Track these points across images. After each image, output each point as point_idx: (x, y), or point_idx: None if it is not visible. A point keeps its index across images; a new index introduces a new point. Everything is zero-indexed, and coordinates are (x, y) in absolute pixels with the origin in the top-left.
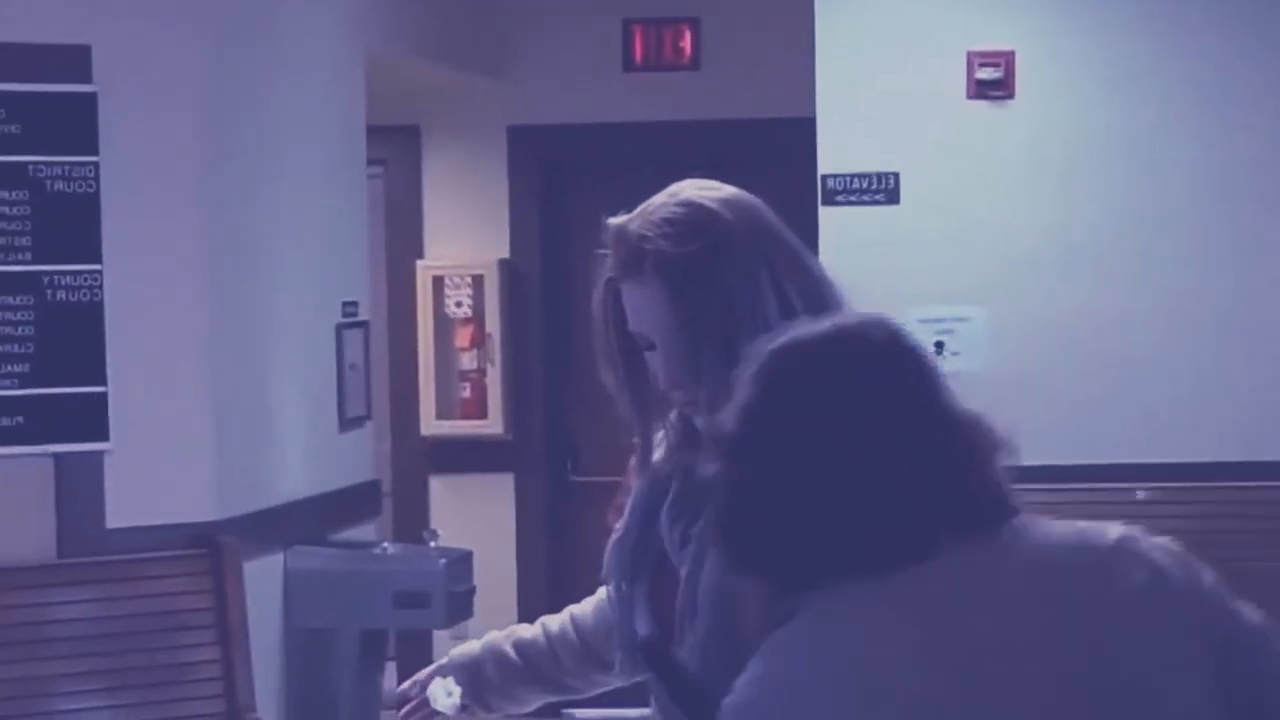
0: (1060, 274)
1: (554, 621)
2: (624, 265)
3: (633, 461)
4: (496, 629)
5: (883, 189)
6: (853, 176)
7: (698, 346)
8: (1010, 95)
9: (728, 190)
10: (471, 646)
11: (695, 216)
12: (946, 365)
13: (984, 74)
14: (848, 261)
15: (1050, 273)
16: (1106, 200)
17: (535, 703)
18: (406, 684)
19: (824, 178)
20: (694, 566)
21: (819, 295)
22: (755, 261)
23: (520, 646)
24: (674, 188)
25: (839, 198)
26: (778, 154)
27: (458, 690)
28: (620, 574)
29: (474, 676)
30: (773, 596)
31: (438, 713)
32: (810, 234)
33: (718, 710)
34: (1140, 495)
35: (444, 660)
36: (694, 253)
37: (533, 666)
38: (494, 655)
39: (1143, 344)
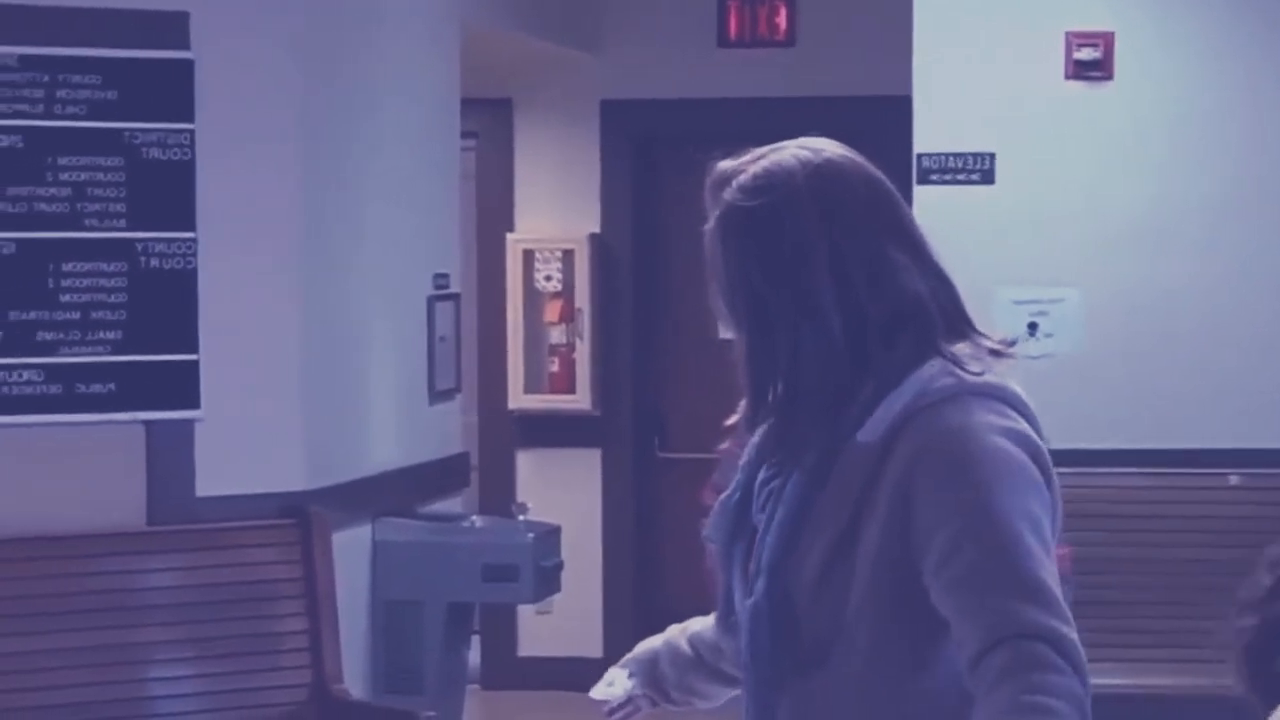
0: (1156, 256)
1: None
2: (709, 207)
3: (732, 435)
4: (582, 604)
5: (978, 169)
6: (948, 156)
7: (733, 301)
8: (1109, 76)
9: (832, 155)
10: (654, 640)
11: (770, 174)
12: (1039, 347)
13: (1082, 55)
14: (942, 241)
15: (1146, 255)
16: (1204, 181)
17: (715, 695)
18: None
19: (919, 156)
20: (764, 529)
21: (891, 286)
22: (814, 234)
23: (693, 639)
24: (789, 142)
25: (934, 177)
26: (873, 132)
27: (622, 681)
28: (720, 533)
29: (651, 670)
30: None
31: (638, 709)
32: None
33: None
34: (1233, 480)
35: (630, 654)
36: (753, 208)
37: (702, 658)
38: (669, 648)
39: (1238, 327)
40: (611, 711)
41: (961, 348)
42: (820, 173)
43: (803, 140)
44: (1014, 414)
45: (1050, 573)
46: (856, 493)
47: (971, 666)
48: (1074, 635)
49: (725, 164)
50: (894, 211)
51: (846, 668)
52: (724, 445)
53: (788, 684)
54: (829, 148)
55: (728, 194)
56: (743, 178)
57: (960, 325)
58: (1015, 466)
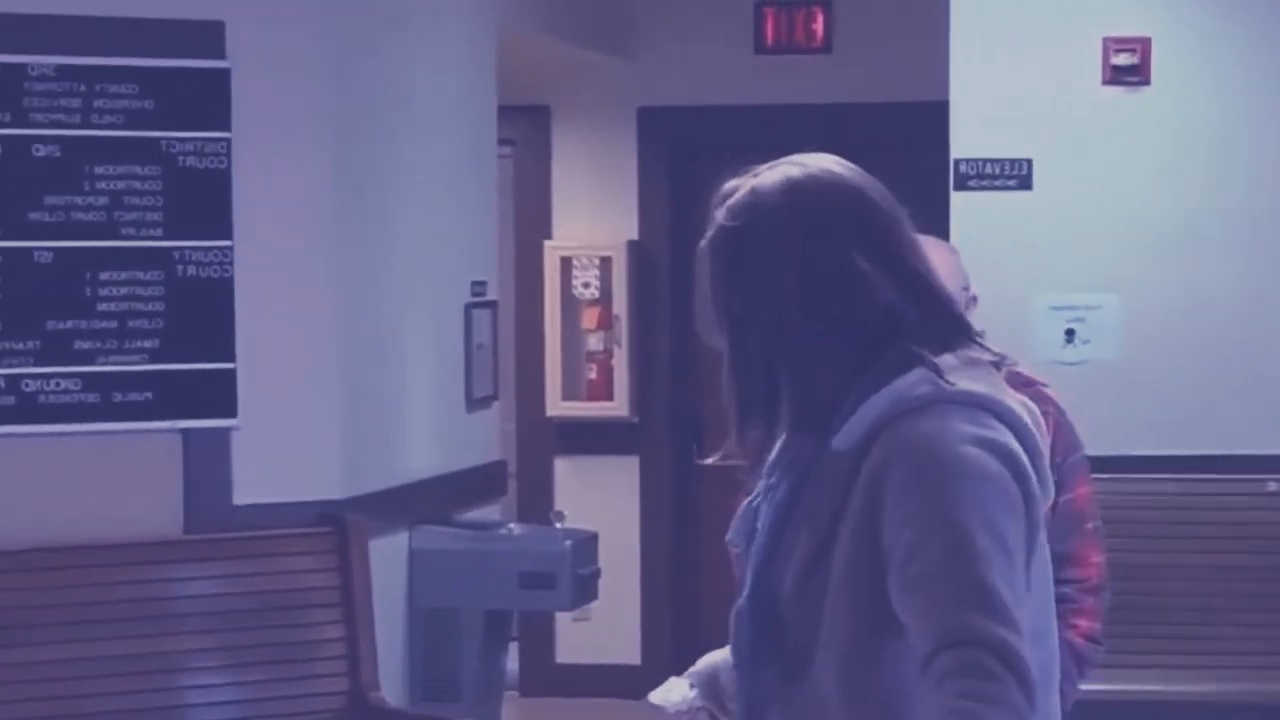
0: (1194, 262)
1: None
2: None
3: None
4: (620, 611)
5: (1016, 175)
6: (986, 162)
7: (715, 317)
8: (1146, 81)
9: (816, 170)
10: (716, 654)
11: (755, 192)
12: (1077, 354)
13: (1120, 60)
14: (979, 247)
15: (1184, 261)
16: (1242, 187)
17: None
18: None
19: (957, 162)
20: (760, 536)
21: (867, 300)
22: (789, 251)
23: None
24: (786, 159)
25: (971, 183)
26: (910, 138)
27: (682, 690)
28: (740, 537)
29: (712, 683)
30: None
31: None
32: (942, 219)
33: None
34: (1272, 487)
35: (693, 666)
36: (734, 229)
37: None
38: (728, 662)
39: (1277, 333)
40: None
41: (948, 358)
42: (799, 189)
43: (797, 157)
44: (996, 424)
45: (1007, 582)
46: (833, 499)
47: (921, 670)
48: (1020, 644)
49: (729, 183)
50: (876, 225)
51: (826, 672)
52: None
53: (776, 688)
54: (817, 163)
55: (719, 214)
56: (733, 198)
57: (953, 336)
58: (983, 475)
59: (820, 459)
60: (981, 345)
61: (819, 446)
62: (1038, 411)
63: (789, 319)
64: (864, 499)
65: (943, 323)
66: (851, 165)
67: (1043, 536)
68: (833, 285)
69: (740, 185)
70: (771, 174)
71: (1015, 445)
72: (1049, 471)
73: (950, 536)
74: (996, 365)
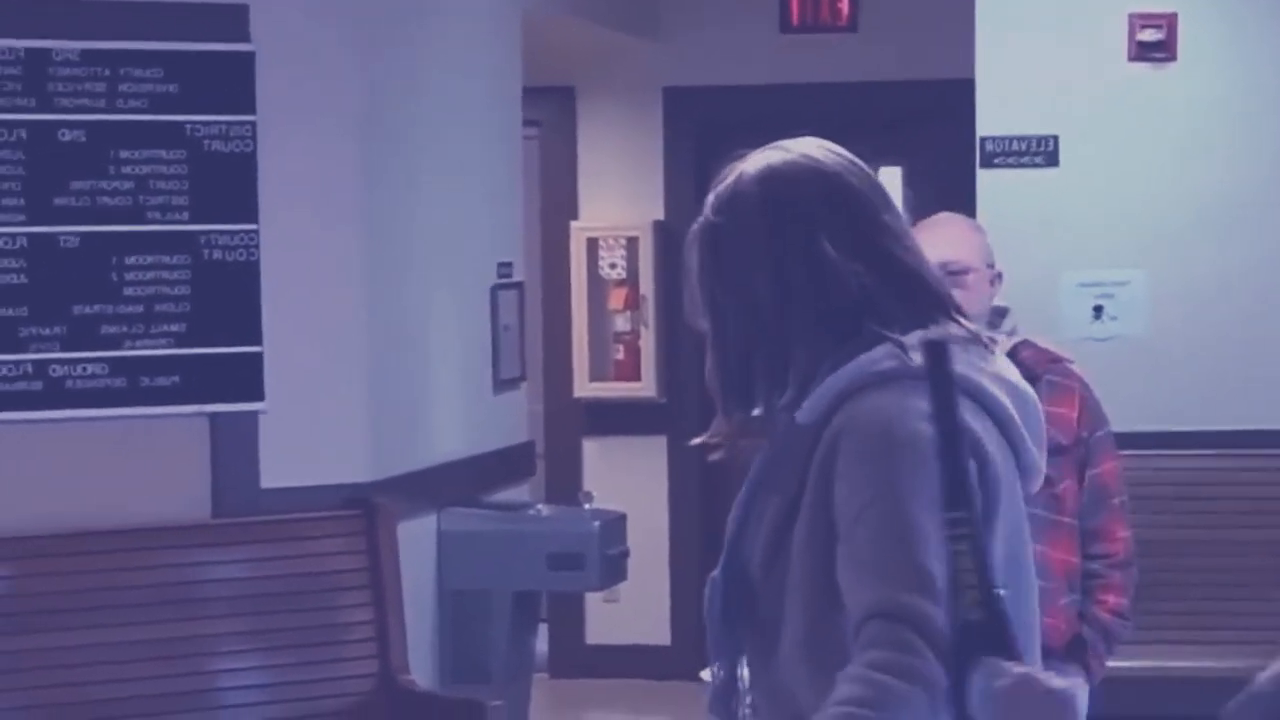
0: (1221, 238)
1: None
2: None
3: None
4: (649, 592)
5: (1042, 151)
6: (1012, 139)
7: (696, 301)
8: (1172, 57)
9: (794, 156)
10: None
11: (734, 184)
12: (1104, 330)
13: (1145, 36)
14: (1006, 224)
15: (1211, 236)
16: (1269, 162)
17: None
18: None
19: (983, 140)
20: (735, 509)
21: (836, 284)
22: (760, 238)
23: None
24: (773, 144)
25: (998, 160)
26: (936, 116)
27: None
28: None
29: None
30: None
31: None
32: (968, 197)
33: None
34: None
35: None
36: (712, 221)
37: None
38: None
39: None
40: None
41: (919, 336)
42: (776, 176)
43: (783, 142)
44: (963, 400)
45: (940, 557)
46: (797, 472)
47: (852, 639)
48: (942, 621)
49: (724, 170)
50: (849, 210)
51: (791, 645)
52: None
53: (749, 659)
54: (799, 149)
55: (706, 202)
56: (718, 188)
57: (930, 315)
58: (934, 453)
59: (787, 433)
60: (962, 324)
61: (789, 422)
62: (1029, 390)
63: (765, 306)
64: (819, 470)
65: (918, 303)
66: (835, 149)
67: (1007, 511)
68: (805, 272)
69: (730, 172)
70: (753, 161)
71: (975, 424)
72: (1033, 450)
73: (890, 510)
74: (982, 342)
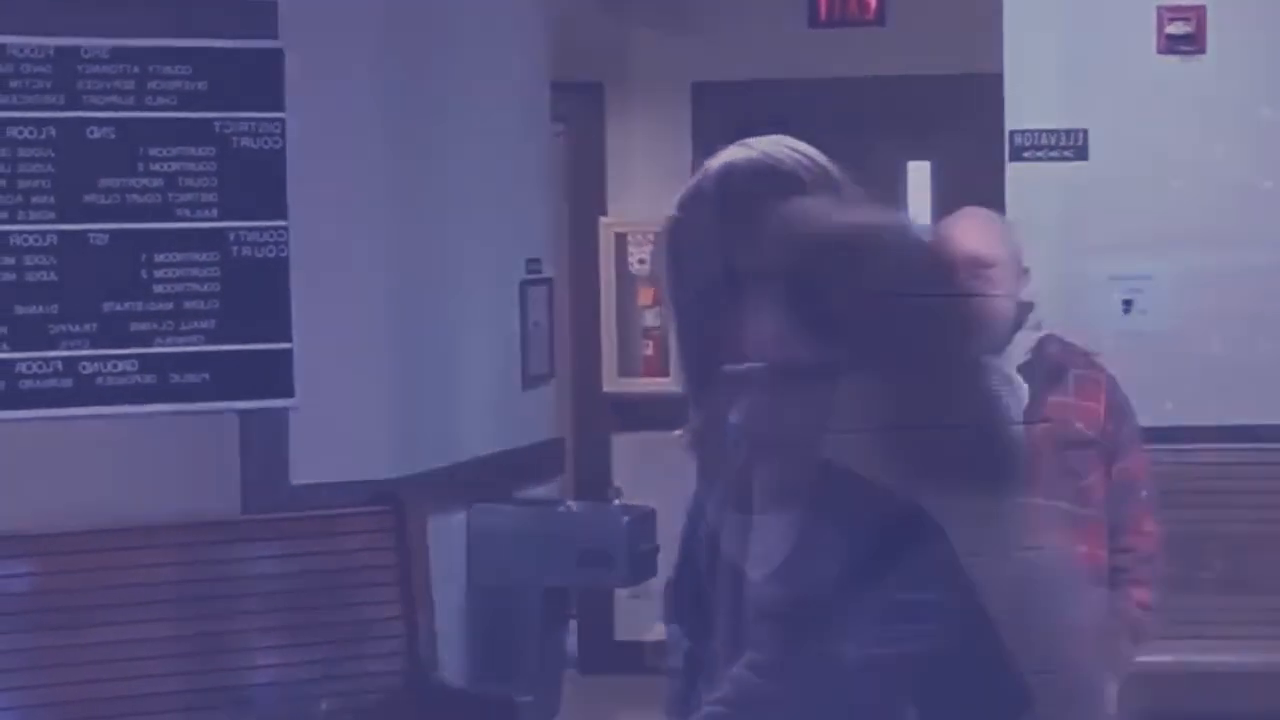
0: (1250, 232)
1: None
2: None
3: None
4: None
5: (1071, 145)
6: (1041, 132)
7: (668, 300)
8: (1201, 50)
9: (754, 156)
10: None
11: (695, 183)
12: (1133, 323)
13: (1174, 28)
14: (1036, 218)
15: (1241, 230)
16: None
17: None
18: None
19: (1012, 134)
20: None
21: None
22: (714, 245)
23: None
24: (739, 142)
25: (1027, 154)
26: (965, 110)
27: None
28: None
29: None
30: None
31: None
32: (998, 190)
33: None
34: None
35: None
36: (675, 220)
37: None
38: None
39: None
40: None
41: None
42: (734, 174)
43: (750, 140)
44: None
45: None
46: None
47: None
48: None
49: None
50: None
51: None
52: None
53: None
54: (761, 147)
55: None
56: (685, 187)
57: None
58: None
59: None
60: None
61: None
62: (1019, 382)
63: (722, 304)
64: None
65: None
66: (800, 148)
67: None
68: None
69: (700, 170)
70: (718, 159)
71: None
72: (1013, 445)
73: None
74: None
